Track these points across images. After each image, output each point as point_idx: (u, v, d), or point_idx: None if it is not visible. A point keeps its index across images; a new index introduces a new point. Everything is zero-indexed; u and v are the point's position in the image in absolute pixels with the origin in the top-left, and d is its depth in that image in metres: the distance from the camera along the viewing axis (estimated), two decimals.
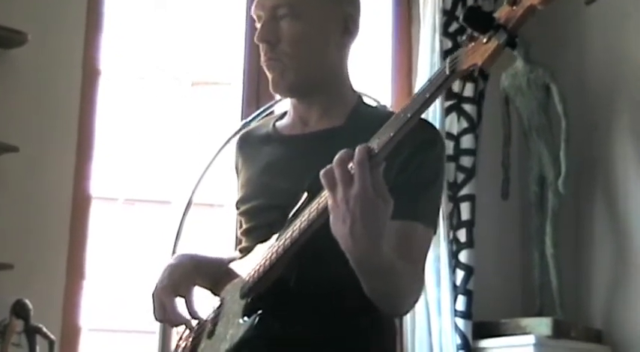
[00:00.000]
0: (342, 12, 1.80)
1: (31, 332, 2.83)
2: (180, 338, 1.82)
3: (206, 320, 1.75)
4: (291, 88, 1.80)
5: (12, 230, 3.06)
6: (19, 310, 2.81)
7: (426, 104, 1.39)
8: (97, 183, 3.35)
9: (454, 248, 3.66)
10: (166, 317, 1.72)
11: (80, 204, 3.23)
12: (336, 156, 1.40)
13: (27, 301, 2.82)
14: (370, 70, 3.92)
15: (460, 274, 3.63)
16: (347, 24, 1.80)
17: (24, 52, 3.11)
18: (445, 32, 3.79)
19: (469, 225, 3.68)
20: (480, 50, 1.31)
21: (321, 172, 1.41)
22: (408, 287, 1.60)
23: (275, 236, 1.62)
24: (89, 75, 3.31)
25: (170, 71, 4.42)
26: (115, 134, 3.91)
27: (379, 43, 4.03)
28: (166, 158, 4.27)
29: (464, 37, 1.34)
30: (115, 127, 3.85)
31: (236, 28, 3.79)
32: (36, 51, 3.13)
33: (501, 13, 1.29)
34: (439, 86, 1.37)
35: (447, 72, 1.36)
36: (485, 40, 1.30)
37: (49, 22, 3.23)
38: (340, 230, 1.41)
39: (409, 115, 1.39)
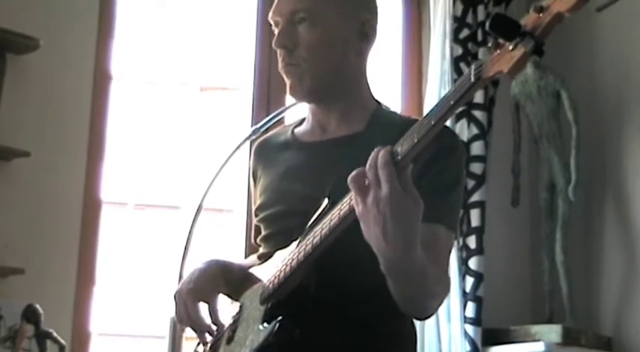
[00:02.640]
0: (359, 17, 1.80)
1: (42, 336, 2.83)
2: (199, 344, 1.82)
3: (225, 326, 1.75)
4: (309, 93, 1.80)
5: (23, 234, 3.06)
6: (30, 315, 2.82)
7: (451, 111, 1.38)
8: (108, 187, 3.36)
9: (464, 254, 3.66)
10: (187, 320, 1.73)
11: (91, 208, 3.23)
12: (368, 161, 1.40)
13: (37, 306, 2.83)
14: (380, 76, 3.92)
15: (470, 281, 3.62)
16: (365, 29, 1.81)
17: (36, 58, 3.12)
18: (455, 38, 3.79)
19: (479, 231, 3.67)
20: (505, 57, 1.29)
21: (350, 177, 1.41)
22: (436, 290, 1.60)
23: (295, 242, 1.62)
24: (100, 80, 3.32)
25: (179, 76, 4.42)
26: (126, 139, 3.91)
27: (389, 49, 4.03)
28: (176, 163, 4.27)
29: (489, 44, 1.33)
30: (125, 132, 3.86)
31: (246, 33, 3.80)
32: (48, 56, 3.14)
33: (528, 21, 1.28)
34: (464, 93, 1.36)
35: (472, 79, 1.34)
36: (511, 48, 1.29)
37: (60, 28, 3.23)
38: (373, 233, 1.41)
39: (433, 122, 1.38)
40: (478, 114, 3.78)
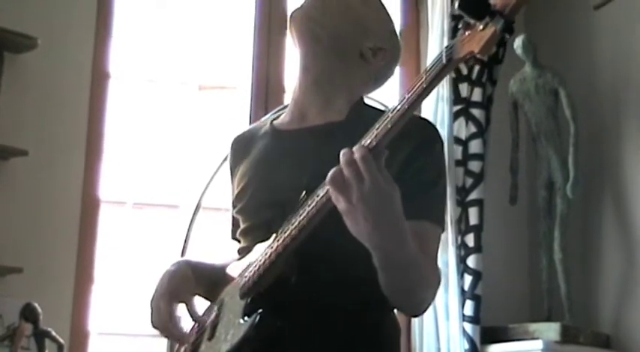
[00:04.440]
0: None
1: (40, 335, 2.83)
2: (181, 345, 1.80)
3: (206, 322, 1.73)
4: (309, 27, 1.82)
5: (21, 233, 3.07)
6: (29, 313, 2.82)
7: (424, 94, 1.38)
8: (106, 186, 3.36)
9: (462, 253, 3.66)
10: (161, 323, 1.69)
11: (89, 207, 3.24)
12: (342, 158, 1.38)
13: (36, 305, 2.83)
14: None
15: (468, 279, 3.62)
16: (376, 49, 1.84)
17: (34, 57, 3.12)
18: (454, 37, 3.78)
19: (477, 229, 3.67)
20: (476, 38, 1.30)
21: (329, 178, 1.39)
22: (430, 278, 1.61)
23: (274, 235, 1.60)
24: (98, 79, 3.32)
25: (177, 75, 4.42)
26: (124, 138, 3.91)
27: None
28: (174, 162, 4.28)
29: (459, 26, 1.34)
30: (123, 131, 3.86)
31: (244, 32, 3.80)
32: (46, 55, 3.14)
33: (497, 0, 1.28)
34: (436, 76, 1.37)
35: (444, 61, 1.35)
36: (481, 27, 1.29)
37: (58, 27, 3.24)
38: (364, 229, 1.40)
39: (407, 107, 1.38)
40: (476, 112, 3.77)
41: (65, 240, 3.16)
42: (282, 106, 2.52)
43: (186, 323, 1.73)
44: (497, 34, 1.28)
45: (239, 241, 1.84)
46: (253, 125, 2.01)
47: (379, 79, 1.88)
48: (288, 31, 1.87)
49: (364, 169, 1.36)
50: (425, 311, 1.70)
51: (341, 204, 1.40)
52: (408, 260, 1.49)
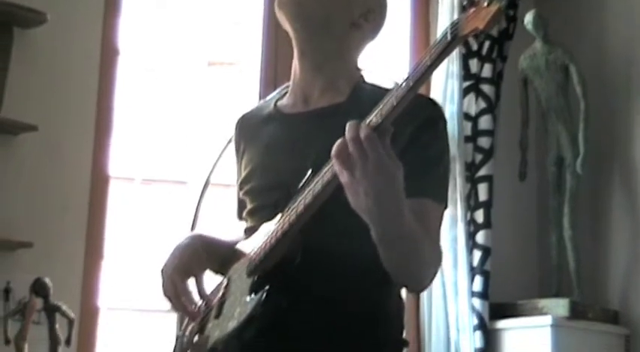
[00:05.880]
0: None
1: (51, 310, 2.84)
2: (189, 321, 1.81)
3: (214, 300, 1.74)
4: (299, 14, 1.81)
5: (31, 209, 3.08)
6: (39, 288, 2.83)
7: (428, 71, 1.37)
8: (115, 162, 3.37)
9: (471, 229, 3.67)
10: (176, 298, 1.70)
11: (99, 183, 3.24)
12: (348, 134, 1.38)
13: (46, 279, 2.84)
14: (388, 50, 3.91)
15: (477, 255, 3.63)
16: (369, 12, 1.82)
17: (43, 32, 3.12)
18: (464, 11, 3.76)
19: (487, 205, 3.68)
20: (481, 14, 1.30)
21: (334, 152, 1.40)
22: (429, 256, 1.61)
23: (280, 214, 1.61)
24: (108, 54, 3.31)
25: (186, 51, 4.41)
26: (133, 114, 3.91)
27: (397, 23, 4.01)
28: (183, 138, 4.28)
29: (464, 2, 1.34)
30: (132, 107, 3.85)
31: (253, 7, 3.79)
32: (55, 31, 3.14)
33: None
34: (441, 53, 1.36)
35: (449, 38, 1.35)
36: (486, 4, 1.30)
37: (68, 2, 3.23)
38: (363, 204, 1.41)
39: (411, 84, 1.38)
40: (486, 88, 3.77)
41: (75, 215, 3.17)
42: (284, 85, 2.52)
43: (196, 299, 1.74)
44: (501, 11, 1.29)
45: (246, 221, 1.85)
46: (257, 105, 2.01)
47: (372, 38, 1.87)
48: (278, 17, 1.86)
49: (369, 147, 1.37)
50: (426, 287, 1.71)
51: (344, 178, 1.40)
52: (406, 235, 1.50)
